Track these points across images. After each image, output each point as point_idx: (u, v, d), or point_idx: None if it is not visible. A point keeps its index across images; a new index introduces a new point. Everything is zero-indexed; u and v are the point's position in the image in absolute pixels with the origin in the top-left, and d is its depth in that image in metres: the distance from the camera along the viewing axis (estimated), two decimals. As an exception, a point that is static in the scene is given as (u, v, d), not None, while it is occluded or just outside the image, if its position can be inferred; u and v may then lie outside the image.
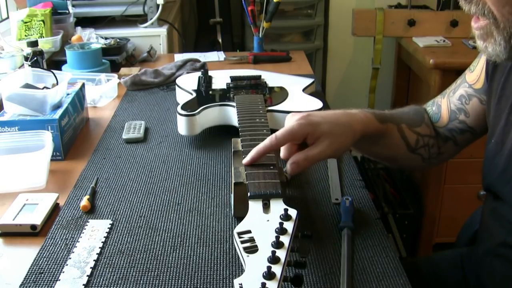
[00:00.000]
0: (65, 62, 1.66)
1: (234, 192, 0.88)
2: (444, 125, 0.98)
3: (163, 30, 2.01)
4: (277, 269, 0.59)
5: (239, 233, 0.66)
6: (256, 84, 1.35)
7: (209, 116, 1.20)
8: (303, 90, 1.33)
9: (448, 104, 0.98)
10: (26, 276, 0.76)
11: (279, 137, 0.80)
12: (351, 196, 0.94)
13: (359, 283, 0.75)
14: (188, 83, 1.38)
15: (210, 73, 1.44)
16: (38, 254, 0.81)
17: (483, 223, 0.96)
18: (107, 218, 0.91)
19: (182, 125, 1.17)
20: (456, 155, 1.01)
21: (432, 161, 0.99)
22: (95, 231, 0.87)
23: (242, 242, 0.64)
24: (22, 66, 1.53)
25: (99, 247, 0.82)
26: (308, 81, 1.40)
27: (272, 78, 1.42)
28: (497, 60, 0.75)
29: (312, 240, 0.68)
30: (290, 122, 0.82)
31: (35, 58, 1.44)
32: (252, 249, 0.63)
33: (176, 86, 1.40)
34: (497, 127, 0.84)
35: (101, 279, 0.76)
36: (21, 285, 0.75)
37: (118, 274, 0.77)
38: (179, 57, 1.81)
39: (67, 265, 0.78)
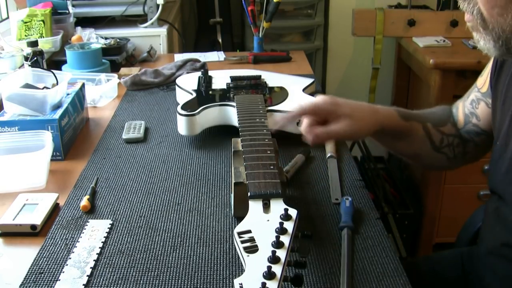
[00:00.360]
0: (65, 62, 1.66)
1: (234, 192, 0.88)
2: (461, 128, 0.99)
3: (163, 30, 2.01)
4: (277, 269, 0.59)
5: (239, 233, 0.66)
6: (256, 84, 1.35)
7: (209, 116, 1.20)
8: (303, 90, 1.33)
9: (463, 108, 0.99)
10: (26, 276, 0.76)
11: (304, 106, 0.84)
12: (351, 196, 0.94)
13: (359, 283, 0.75)
14: (188, 83, 1.38)
15: (210, 73, 1.44)
16: (38, 254, 0.81)
17: (485, 222, 0.96)
18: (107, 218, 0.91)
19: (182, 125, 1.17)
20: (482, 157, 1.01)
21: (457, 160, 1.00)
22: (95, 231, 0.87)
23: (242, 242, 0.64)
24: (22, 66, 1.53)
25: (99, 247, 0.82)
26: (308, 81, 1.40)
27: (272, 78, 1.42)
28: (489, 55, 0.76)
29: (312, 240, 0.69)
30: (316, 98, 0.86)
31: (35, 58, 1.44)
32: (252, 249, 0.63)
33: (176, 86, 1.40)
34: (502, 129, 0.85)
35: (101, 279, 0.76)
36: (21, 285, 0.75)
37: (118, 274, 0.77)
38: (179, 57, 1.81)
39: (67, 265, 0.78)
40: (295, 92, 1.30)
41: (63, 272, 0.77)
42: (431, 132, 0.96)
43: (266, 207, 0.73)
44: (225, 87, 1.34)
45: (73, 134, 1.21)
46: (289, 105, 1.21)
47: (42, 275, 0.77)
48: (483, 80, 0.94)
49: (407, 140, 0.94)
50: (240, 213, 0.86)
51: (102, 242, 0.84)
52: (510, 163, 0.82)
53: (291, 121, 0.88)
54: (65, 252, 0.82)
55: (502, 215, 0.86)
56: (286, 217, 0.69)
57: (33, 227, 0.87)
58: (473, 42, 2.10)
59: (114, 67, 1.72)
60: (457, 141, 0.98)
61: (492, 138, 0.96)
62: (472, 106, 0.96)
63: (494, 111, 0.89)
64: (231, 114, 1.20)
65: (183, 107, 1.18)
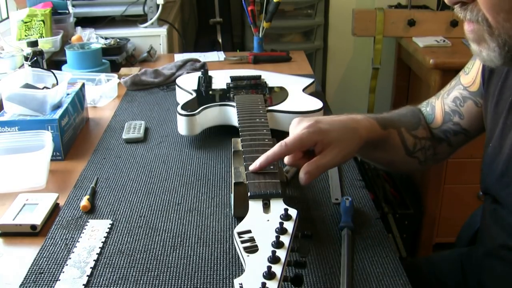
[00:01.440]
0: (65, 62, 1.66)
1: (234, 192, 0.88)
2: (438, 127, 0.97)
3: (163, 30, 2.01)
4: (277, 269, 0.59)
5: (239, 233, 0.66)
6: (256, 84, 1.35)
7: (209, 116, 1.20)
8: (303, 90, 1.33)
9: (442, 105, 0.97)
10: (26, 276, 0.76)
11: (289, 144, 0.80)
12: (351, 196, 0.94)
13: (359, 283, 0.75)
14: (188, 83, 1.38)
15: (210, 73, 1.44)
16: (38, 254, 0.81)
17: (483, 224, 0.96)
18: (107, 218, 0.91)
19: (182, 125, 1.17)
20: (451, 156, 1.01)
21: (428, 163, 0.99)
22: (95, 231, 0.87)
23: (242, 242, 0.64)
24: (22, 66, 1.53)
25: (99, 247, 0.82)
26: (308, 81, 1.40)
27: (272, 78, 1.42)
28: (491, 65, 0.74)
29: (312, 240, 0.69)
30: (298, 129, 0.82)
31: (35, 58, 1.44)
32: (252, 249, 0.63)
33: (176, 86, 1.40)
34: (494, 131, 0.84)
35: (101, 279, 0.76)
36: (21, 285, 0.75)
37: (118, 274, 0.77)
38: (179, 57, 1.81)
39: (67, 265, 0.78)
40: (295, 92, 1.30)
41: (63, 272, 0.77)
42: (405, 137, 0.94)
43: (266, 207, 0.73)
44: (225, 87, 1.34)
45: (73, 134, 1.21)
46: (289, 105, 1.21)
47: (42, 275, 0.77)
48: (471, 79, 0.93)
49: (383, 148, 0.92)
50: (240, 213, 0.86)
51: (102, 242, 0.84)
52: (504, 166, 0.81)
53: (275, 161, 0.82)
54: (65, 252, 0.82)
55: (499, 217, 0.86)
56: (286, 217, 0.69)
57: (33, 227, 0.87)
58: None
59: (114, 67, 1.72)
60: (429, 144, 0.97)
61: (469, 138, 0.96)
62: (456, 104, 0.94)
63: (485, 112, 0.89)
64: (231, 114, 1.20)
65: (183, 107, 1.18)
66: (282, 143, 0.80)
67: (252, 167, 0.82)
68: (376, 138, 0.89)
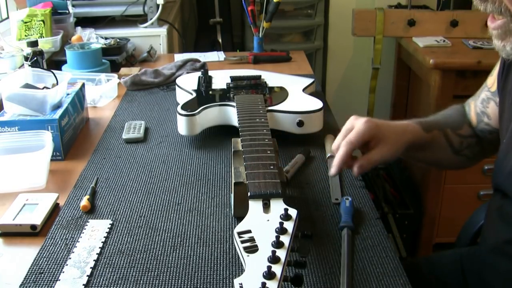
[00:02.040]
0: (65, 62, 1.66)
1: (234, 192, 0.88)
2: (475, 127, 1.00)
3: (163, 30, 2.01)
4: (277, 269, 0.59)
5: (239, 233, 0.66)
6: (256, 84, 1.35)
7: (209, 116, 1.20)
8: (303, 90, 1.33)
9: (475, 107, 1.00)
10: (26, 276, 0.76)
11: (354, 140, 0.84)
12: (351, 196, 0.94)
13: (359, 283, 0.75)
14: (188, 83, 1.38)
15: (210, 73, 1.44)
16: (38, 254, 0.81)
17: (488, 221, 0.96)
18: (107, 218, 0.91)
19: (182, 125, 1.17)
20: (495, 154, 1.02)
21: (477, 158, 1.01)
22: (95, 231, 0.87)
23: (242, 242, 0.64)
24: (22, 66, 1.53)
25: (99, 247, 0.82)
26: (308, 81, 1.40)
27: (272, 78, 1.42)
28: None
29: (312, 240, 0.69)
30: (357, 124, 0.86)
31: (35, 58, 1.44)
32: (252, 249, 0.63)
33: (176, 86, 1.40)
34: (509, 127, 0.85)
35: (101, 279, 0.76)
36: (21, 285, 0.75)
37: (118, 274, 0.77)
38: (179, 57, 1.81)
39: (67, 265, 0.78)
40: (295, 92, 1.30)
41: (63, 272, 0.77)
42: (451, 137, 0.97)
43: (266, 207, 0.73)
44: (225, 87, 1.33)
45: (73, 134, 1.21)
46: (289, 105, 1.21)
47: (42, 275, 0.77)
48: (493, 79, 0.95)
49: (428, 150, 0.96)
50: (240, 213, 0.86)
51: (102, 242, 0.84)
52: None
53: (347, 160, 0.86)
54: (65, 252, 0.82)
55: (506, 213, 0.86)
56: (286, 217, 0.69)
57: (33, 227, 0.87)
58: (473, 42, 2.11)
59: (114, 67, 1.72)
60: (475, 141, 0.99)
61: None
62: (483, 105, 0.97)
63: (501, 110, 0.90)
64: (231, 114, 1.20)
65: (183, 107, 1.18)
66: (348, 140, 0.84)
67: (333, 171, 0.85)
68: (420, 141, 0.93)
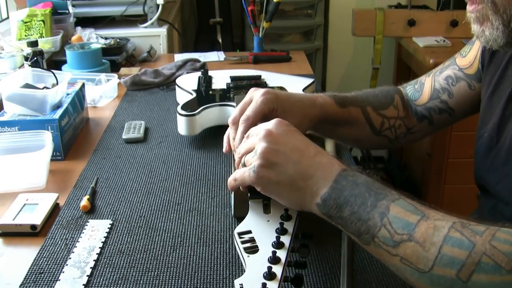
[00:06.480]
0: (65, 62, 1.66)
1: (235, 192, 0.88)
2: (423, 103, 0.98)
3: (163, 30, 2.01)
4: (277, 269, 0.59)
5: (240, 233, 0.66)
6: (256, 84, 1.35)
7: (209, 116, 1.20)
8: (303, 90, 1.33)
9: (432, 83, 0.98)
10: (26, 276, 0.76)
11: (252, 115, 0.80)
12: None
13: (359, 283, 0.75)
14: (188, 83, 1.38)
15: (210, 73, 1.44)
16: (38, 254, 0.81)
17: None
18: (107, 218, 0.91)
19: (182, 125, 1.17)
20: (428, 136, 1.01)
21: (399, 140, 1.00)
22: (95, 231, 0.87)
23: (243, 242, 0.64)
24: (22, 66, 1.53)
25: (99, 247, 0.82)
26: (308, 81, 1.40)
27: (272, 78, 1.42)
28: (493, 46, 0.73)
29: (312, 240, 0.69)
30: (255, 97, 0.83)
31: (35, 58, 1.44)
32: (252, 249, 0.63)
33: (176, 86, 1.40)
34: (489, 120, 0.84)
35: (101, 279, 0.76)
36: (21, 285, 0.75)
37: (118, 274, 0.77)
38: (179, 57, 1.81)
39: (67, 265, 0.78)
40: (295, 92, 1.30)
41: (63, 272, 0.77)
42: (371, 116, 0.95)
43: (267, 208, 0.73)
44: (225, 87, 1.33)
45: (73, 134, 1.21)
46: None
47: (42, 275, 0.77)
48: (468, 62, 0.93)
49: (346, 126, 0.94)
50: (240, 213, 0.86)
51: (102, 242, 0.84)
52: (505, 158, 0.80)
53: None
54: (65, 252, 0.81)
55: (499, 213, 0.86)
56: (286, 217, 0.69)
57: (33, 227, 0.87)
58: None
59: (114, 67, 1.72)
60: (399, 123, 0.98)
61: (453, 119, 0.97)
62: (447, 82, 0.95)
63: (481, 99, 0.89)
64: (231, 114, 1.19)
65: (183, 107, 1.18)
66: (244, 117, 0.81)
67: (225, 150, 0.84)
68: (333, 115, 0.90)
